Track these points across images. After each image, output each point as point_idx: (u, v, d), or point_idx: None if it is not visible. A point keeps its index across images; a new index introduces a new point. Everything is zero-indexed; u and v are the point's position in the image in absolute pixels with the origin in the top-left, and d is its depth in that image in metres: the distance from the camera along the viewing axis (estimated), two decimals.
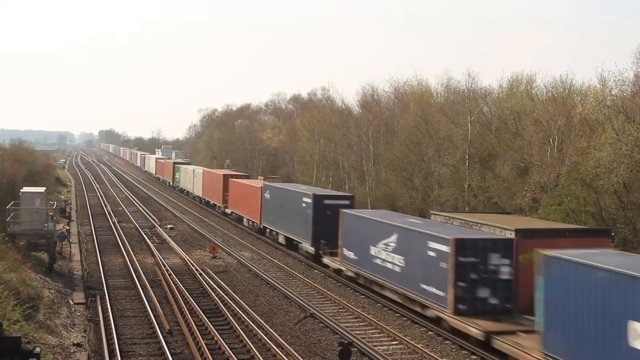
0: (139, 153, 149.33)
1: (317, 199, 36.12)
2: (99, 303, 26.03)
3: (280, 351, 20.60)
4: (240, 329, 22.89)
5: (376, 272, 27.80)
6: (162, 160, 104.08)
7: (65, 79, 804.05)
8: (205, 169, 73.18)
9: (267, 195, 44.07)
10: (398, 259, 25.96)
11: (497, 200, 45.13)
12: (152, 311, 24.99)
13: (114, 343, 21.02)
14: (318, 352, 21.05)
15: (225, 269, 34.70)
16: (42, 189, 35.24)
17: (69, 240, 39.14)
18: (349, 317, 25.64)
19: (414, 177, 53.79)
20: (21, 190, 34.72)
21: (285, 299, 28.18)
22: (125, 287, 29.63)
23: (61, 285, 28.75)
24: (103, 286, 29.15)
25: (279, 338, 21.92)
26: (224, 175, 58.80)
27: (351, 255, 30.43)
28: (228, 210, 55.95)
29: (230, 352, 20.39)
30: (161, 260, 35.62)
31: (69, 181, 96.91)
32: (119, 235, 44.47)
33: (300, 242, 37.46)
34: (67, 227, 44.00)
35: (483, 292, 22.36)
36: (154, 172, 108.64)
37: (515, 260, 22.73)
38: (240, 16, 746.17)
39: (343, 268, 31.35)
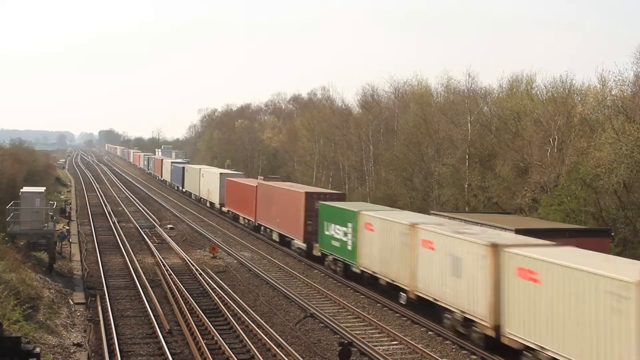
0: (166, 161, 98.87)
1: None
2: (99, 303, 26.02)
3: (280, 351, 20.59)
4: (240, 329, 22.88)
5: None
6: (250, 183, 49.64)
7: (65, 79, 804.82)
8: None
9: None
10: None
11: (497, 200, 45.16)
12: (152, 311, 24.98)
13: (114, 343, 21.00)
14: (318, 352, 21.04)
15: (225, 268, 34.68)
16: (42, 189, 35.22)
17: (69, 240, 39.13)
18: (349, 317, 25.63)
19: (414, 177, 53.82)
20: (21, 190, 34.71)
21: (285, 299, 28.17)
22: (125, 287, 29.61)
23: (61, 285, 28.73)
24: (103, 286, 29.14)
25: (279, 338, 21.91)
26: None
27: None
28: None
29: (230, 352, 20.38)
30: (161, 260, 35.61)
31: (69, 181, 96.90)
32: (118, 235, 44.45)
33: None
34: (67, 227, 44.02)
35: None
36: (216, 201, 60.00)
37: None
38: (240, 16, 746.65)
39: None
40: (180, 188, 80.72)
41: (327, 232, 33.39)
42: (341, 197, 38.81)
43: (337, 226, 32.05)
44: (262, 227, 45.51)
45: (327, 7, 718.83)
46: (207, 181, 64.27)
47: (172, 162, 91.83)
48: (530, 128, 45.83)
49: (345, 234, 31.11)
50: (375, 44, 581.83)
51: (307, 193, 37.34)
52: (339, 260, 32.18)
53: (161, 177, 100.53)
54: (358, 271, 30.00)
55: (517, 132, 47.57)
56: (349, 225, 30.66)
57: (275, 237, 42.01)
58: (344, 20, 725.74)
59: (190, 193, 74.22)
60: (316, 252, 35.14)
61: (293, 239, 38.55)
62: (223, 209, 57.29)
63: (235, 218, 53.11)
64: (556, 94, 46.96)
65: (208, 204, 64.05)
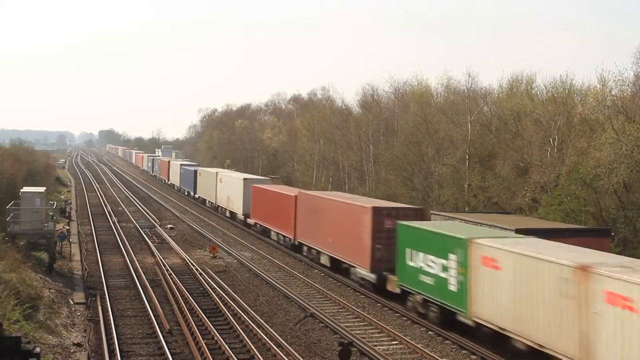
0: (174, 163, 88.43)
1: None
2: (99, 303, 26.02)
3: (280, 351, 20.58)
4: (240, 328, 22.87)
5: None
6: (287, 192, 41.32)
7: (65, 79, 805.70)
8: None
9: None
10: None
11: (497, 200, 45.19)
12: (152, 311, 24.98)
13: (114, 343, 21.00)
14: (318, 352, 21.04)
15: (225, 268, 34.69)
16: (42, 189, 35.21)
17: (69, 240, 39.13)
18: (349, 317, 25.63)
19: (414, 177, 53.84)
20: (21, 190, 34.71)
21: (285, 299, 28.17)
22: (125, 287, 29.61)
23: (61, 285, 28.73)
24: (103, 286, 29.14)
25: (279, 338, 21.91)
26: None
27: None
28: None
29: (230, 352, 20.38)
30: (161, 260, 35.61)
31: (69, 181, 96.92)
32: (119, 235, 44.45)
33: None
34: (67, 227, 44.01)
35: None
36: (239, 212, 51.28)
37: None
38: (240, 16, 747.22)
39: None
40: (192, 194, 72.52)
41: (410, 263, 24.91)
42: (419, 214, 29.48)
43: (430, 257, 23.65)
44: (304, 247, 36.83)
45: (327, 7, 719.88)
46: (226, 187, 55.77)
47: (181, 165, 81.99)
48: (530, 128, 45.86)
49: (445, 269, 22.65)
50: (375, 44, 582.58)
51: (375, 209, 28.53)
52: (434, 303, 23.67)
53: (168, 180, 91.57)
54: (469, 322, 21.57)
55: (517, 132, 47.60)
56: (452, 257, 22.25)
57: (324, 260, 33.71)
58: (344, 20, 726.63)
59: (204, 200, 65.91)
60: (392, 288, 26.79)
61: (354, 267, 29.94)
62: (248, 220, 48.15)
63: (265, 232, 44.23)
64: (556, 94, 47.00)
65: (227, 214, 55.42)
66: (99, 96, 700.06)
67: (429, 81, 77.27)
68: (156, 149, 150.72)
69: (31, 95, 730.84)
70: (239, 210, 51.40)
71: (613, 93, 42.02)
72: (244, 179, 51.48)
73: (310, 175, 76.38)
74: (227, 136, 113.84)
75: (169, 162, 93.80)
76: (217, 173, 60.57)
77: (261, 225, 45.29)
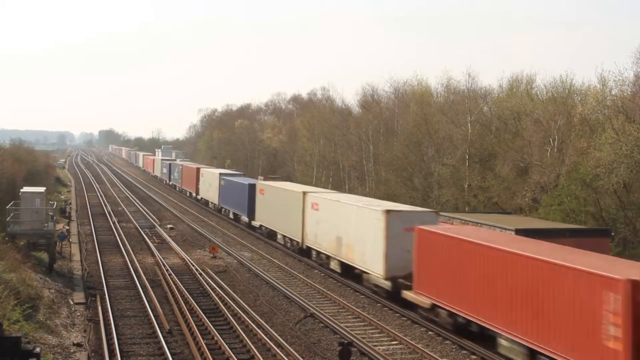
0: (208, 171, 65.14)
1: None
2: (99, 303, 26.02)
3: (280, 351, 20.58)
4: (240, 328, 22.87)
5: None
6: (582, 266, 15.95)
7: (65, 79, 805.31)
8: None
9: None
10: None
11: (497, 200, 45.21)
12: (152, 311, 24.97)
13: (114, 343, 21.00)
14: (318, 352, 21.04)
15: (225, 268, 34.69)
16: (42, 189, 35.22)
17: (69, 240, 39.13)
18: (349, 317, 25.63)
19: (414, 177, 53.86)
20: (21, 190, 34.71)
21: (285, 299, 28.17)
22: (125, 287, 29.60)
23: (61, 285, 28.73)
24: (103, 286, 29.13)
25: (279, 338, 21.91)
26: None
27: None
28: None
29: (230, 352, 20.38)
30: (161, 260, 35.61)
31: (69, 181, 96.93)
32: (119, 235, 44.44)
33: None
34: (67, 227, 43.99)
35: None
36: (376, 269, 27.09)
37: None
38: (240, 16, 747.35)
39: None
40: (245, 219, 48.89)
41: None
42: None
43: None
44: None
45: (327, 8, 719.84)
46: (332, 220, 32.29)
47: (222, 175, 57.42)
48: (530, 128, 45.88)
49: None
50: (375, 44, 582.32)
51: None
52: None
53: (197, 194, 68.32)
54: None
55: (517, 132, 47.62)
56: None
57: None
58: (344, 21, 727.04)
59: (272, 232, 42.64)
60: None
61: None
62: (406, 295, 24.98)
63: (457, 323, 21.98)
64: (556, 94, 47.06)
65: (334, 266, 32.23)
66: (99, 96, 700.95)
67: (429, 81, 77.39)
68: (156, 149, 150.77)
69: (31, 95, 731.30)
70: (376, 267, 27.49)
71: (613, 93, 42.07)
72: (387, 210, 27.21)
73: (310, 175, 76.40)
74: (227, 136, 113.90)
75: (198, 169, 68.65)
76: (303, 193, 36.94)
77: (451, 312, 22.18)
